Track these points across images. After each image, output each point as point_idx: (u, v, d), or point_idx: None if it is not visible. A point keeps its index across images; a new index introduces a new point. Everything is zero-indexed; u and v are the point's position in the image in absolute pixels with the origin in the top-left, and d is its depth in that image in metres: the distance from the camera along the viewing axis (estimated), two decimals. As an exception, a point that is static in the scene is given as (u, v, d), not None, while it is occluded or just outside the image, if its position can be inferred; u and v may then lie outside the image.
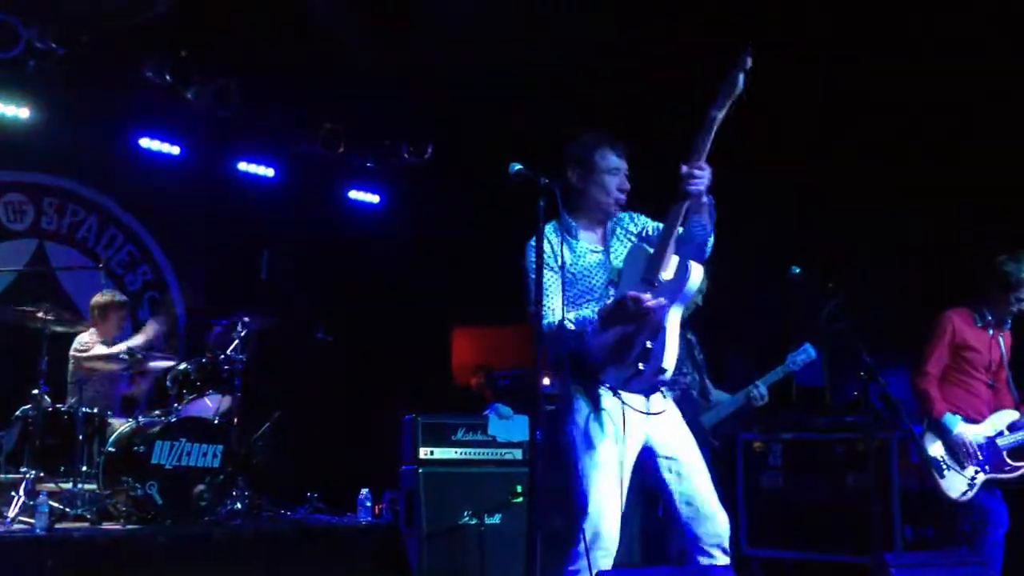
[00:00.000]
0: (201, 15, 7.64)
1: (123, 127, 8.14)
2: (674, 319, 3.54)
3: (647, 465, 3.69)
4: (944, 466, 5.00)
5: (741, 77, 3.37)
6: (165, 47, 7.75)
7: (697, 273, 3.54)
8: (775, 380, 5.39)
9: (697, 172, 3.46)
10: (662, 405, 3.72)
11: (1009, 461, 5.03)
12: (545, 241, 3.50)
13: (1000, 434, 5.09)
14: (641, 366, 3.50)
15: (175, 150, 8.38)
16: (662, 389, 3.71)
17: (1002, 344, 5.21)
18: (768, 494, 6.76)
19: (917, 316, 5.58)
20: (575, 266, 3.73)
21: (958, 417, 5.07)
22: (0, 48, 6.99)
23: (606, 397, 3.63)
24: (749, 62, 3.36)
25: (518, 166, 3.53)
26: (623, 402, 3.58)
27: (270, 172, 9.07)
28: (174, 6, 7.39)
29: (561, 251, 3.68)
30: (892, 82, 6.99)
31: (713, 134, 3.44)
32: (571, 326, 3.61)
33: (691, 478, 3.66)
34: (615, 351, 3.56)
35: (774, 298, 7.71)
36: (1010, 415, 5.14)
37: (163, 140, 8.31)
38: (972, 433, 5.04)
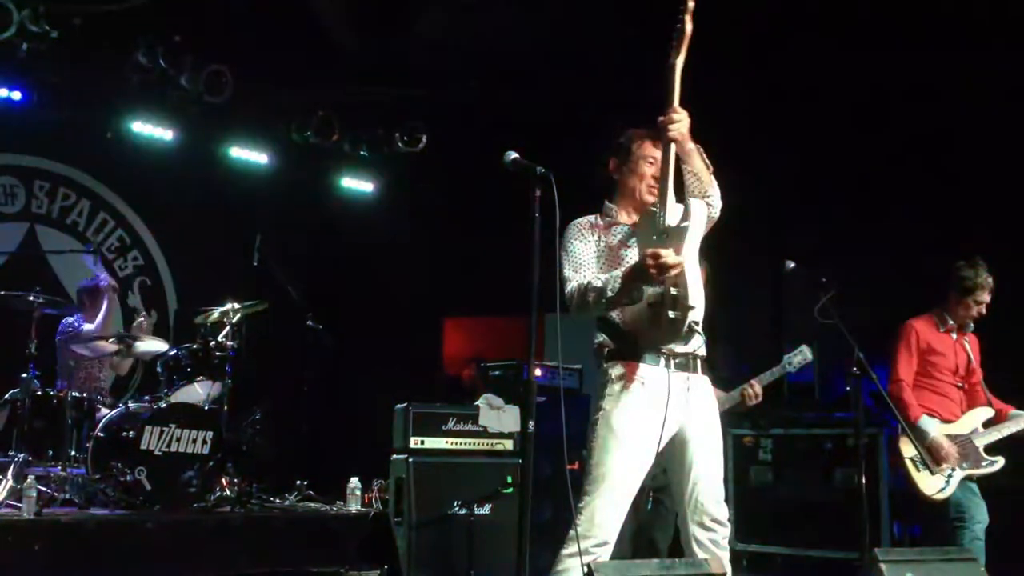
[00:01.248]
0: (194, 0, 7.61)
1: (115, 111, 8.09)
2: (690, 258, 3.57)
3: (671, 444, 3.68)
4: (919, 465, 5.13)
5: (688, 20, 3.51)
6: (158, 31, 7.69)
7: (699, 208, 3.64)
8: (770, 380, 5.39)
9: (674, 117, 3.55)
10: (700, 384, 3.72)
11: (985, 456, 5.20)
12: (588, 223, 3.79)
13: (975, 431, 5.26)
14: (671, 314, 3.50)
15: (168, 135, 8.33)
16: (699, 367, 3.71)
17: (968, 348, 5.41)
18: (757, 489, 6.78)
19: (909, 313, 5.61)
20: (612, 250, 3.77)
21: (935, 420, 5.23)
22: (-8, 31, 6.92)
23: (650, 377, 3.62)
24: (691, 4, 3.52)
25: (513, 155, 3.54)
26: (668, 384, 3.58)
27: (263, 158, 9.03)
28: (167, -9, 7.37)
29: (601, 235, 3.78)
30: (878, 75, 7.01)
31: (678, 80, 3.57)
32: (598, 283, 3.63)
33: (707, 461, 3.67)
34: (647, 312, 3.57)
35: (767, 291, 7.76)
36: (985, 412, 5.33)
37: (155, 125, 8.26)
38: (949, 433, 5.21)
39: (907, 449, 5.17)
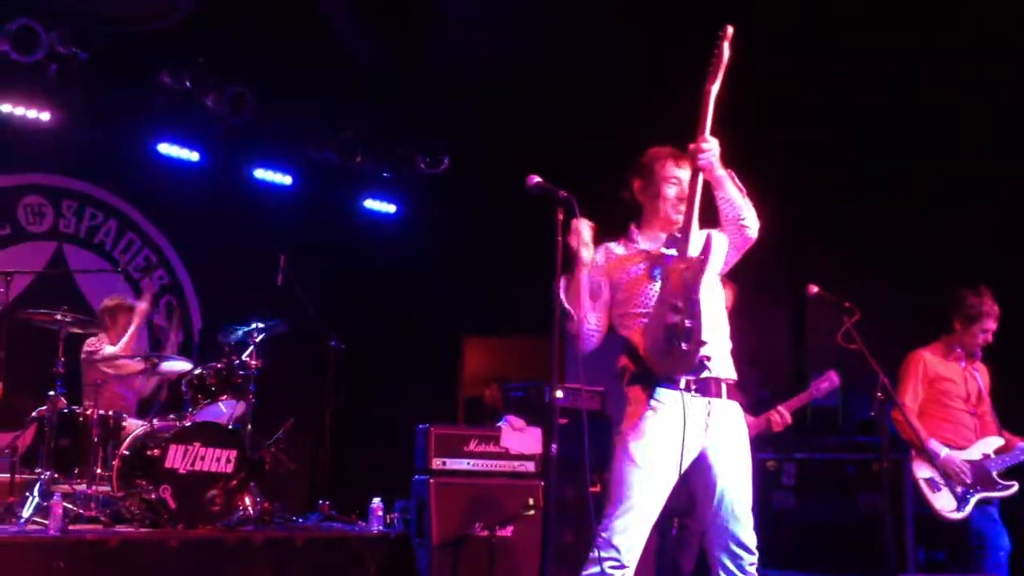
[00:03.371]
0: (219, 22, 7.70)
1: (142, 132, 8.19)
2: (707, 293, 3.58)
3: (695, 468, 3.68)
4: (934, 485, 5.24)
5: (726, 47, 3.50)
6: (183, 53, 7.79)
7: (720, 243, 3.63)
8: (798, 407, 5.39)
9: (704, 146, 3.54)
10: (725, 409, 3.70)
11: (999, 480, 5.27)
12: (604, 251, 3.77)
13: (987, 457, 5.33)
14: (684, 346, 3.51)
15: (194, 156, 8.42)
16: (724, 392, 3.70)
17: (978, 377, 5.48)
18: (780, 513, 6.73)
19: (932, 336, 5.61)
20: (633, 283, 3.75)
21: (943, 446, 5.32)
22: (22, 52, 7.03)
23: (668, 401, 3.62)
24: (731, 31, 3.51)
25: (537, 178, 3.56)
26: (684, 408, 3.58)
27: (287, 180, 9.10)
28: (193, 13, 7.46)
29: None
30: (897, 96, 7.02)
31: (711, 107, 3.55)
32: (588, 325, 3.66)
33: (734, 486, 3.65)
34: (663, 341, 3.57)
35: (789, 316, 7.73)
36: (996, 441, 5.40)
37: (182, 146, 8.35)
38: (960, 457, 5.28)
39: (920, 471, 5.27)
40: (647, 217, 3.88)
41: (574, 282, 3.69)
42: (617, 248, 3.86)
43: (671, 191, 3.80)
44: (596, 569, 3.52)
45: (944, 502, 5.21)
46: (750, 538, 3.67)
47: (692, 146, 3.57)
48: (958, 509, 5.18)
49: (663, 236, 3.78)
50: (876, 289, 6.88)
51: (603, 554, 3.53)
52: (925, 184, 7.07)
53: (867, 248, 7.40)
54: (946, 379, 5.42)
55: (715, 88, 3.53)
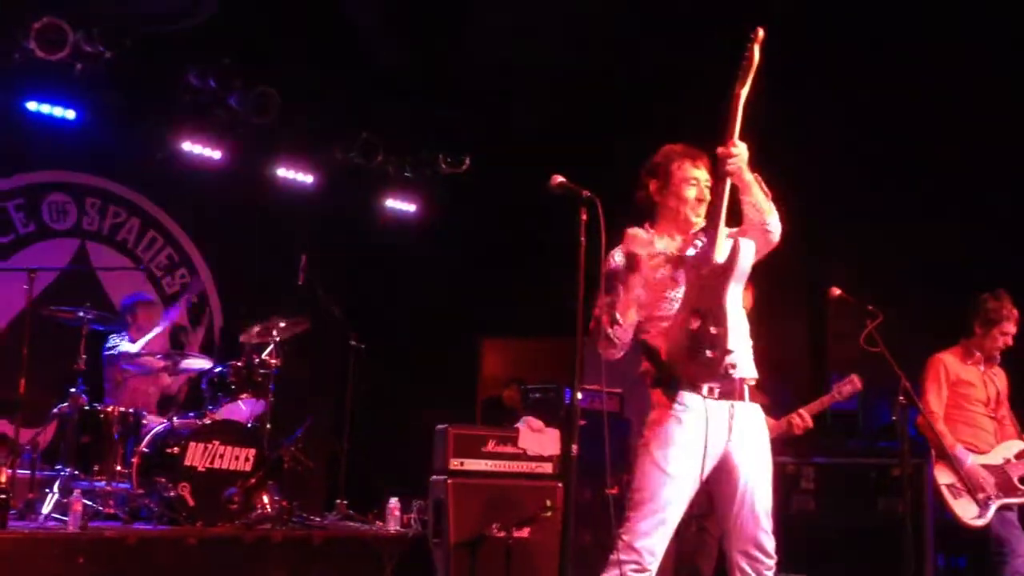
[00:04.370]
0: (243, 23, 7.74)
1: (166, 131, 8.23)
2: (733, 300, 3.55)
3: (716, 470, 3.65)
4: (956, 492, 5.21)
5: (756, 50, 3.47)
6: (208, 54, 7.83)
7: (748, 250, 3.57)
8: (820, 410, 5.35)
9: (732, 151, 3.50)
10: (748, 412, 3.67)
11: (1020, 486, 5.26)
12: (613, 259, 3.68)
13: (1008, 462, 5.32)
14: (709, 353, 3.49)
15: (216, 155, 8.46)
16: (746, 394, 3.67)
17: (997, 381, 5.48)
18: (799, 517, 6.69)
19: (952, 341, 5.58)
20: (655, 286, 3.70)
21: (968, 452, 5.29)
22: (48, 50, 7.07)
23: (692, 405, 3.59)
24: (761, 34, 3.47)
25: (560, 178, 3.54)
26: (706, 413, 3.56)
27: (309, 179, 9.12)
28: (218, 14, 7.50)
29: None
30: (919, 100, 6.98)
31: (740, 111, 3.50)
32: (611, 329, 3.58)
33: (754, 489, 3.62)
34: (687, 347, 3.55)
35: (809, 318, 7.69)
36: (1016, 445, 5.40)
37: (205, 145, 8.39)
38: (983, 462, 5.26)
39: (942, 477, 5.25)
40: (663, 217, 3.81)
41: (627, 291, 3.63)
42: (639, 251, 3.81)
43: (691, 192, 3.75)
44: (616, 572, 3.51)
45: (966, 509, 5.18)
46: (769, 542, 3.64)
47: (721, 150, 3.52)
48: (980, 516, 5.14)
49: (679, 238, 3.76)
50: (899, 292, 6.84)
51: (624, 557, 3.52)
52: (946, 186, 7.03)
53: (889, 250, 7.36)
54: (966, 382, 5.40)
55: (744, 91, 3.49)
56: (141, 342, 6.86)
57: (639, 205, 3.83)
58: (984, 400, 5.40)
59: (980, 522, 5.16)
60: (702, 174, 3.76)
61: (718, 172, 3.57)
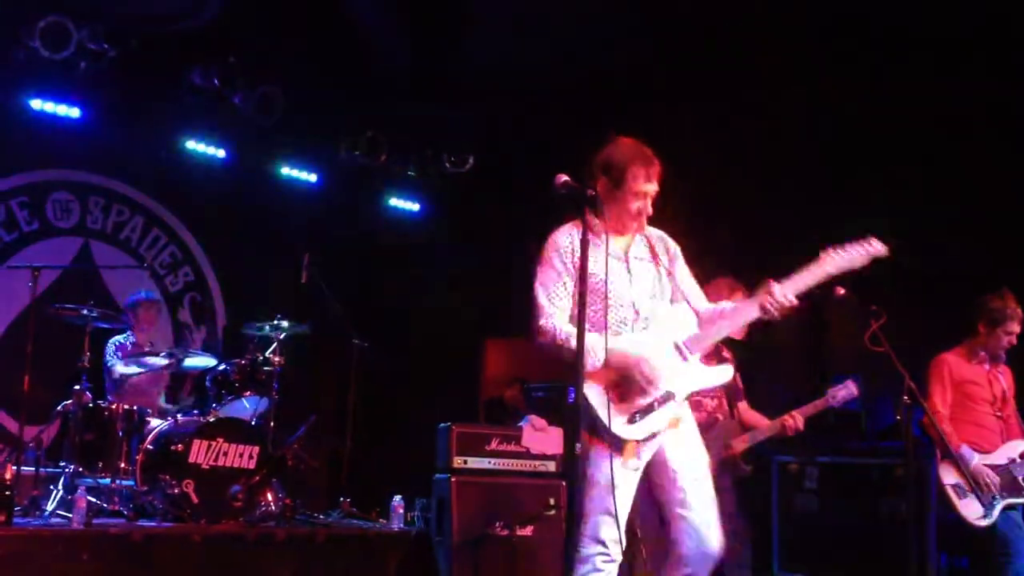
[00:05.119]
0: (249, 22, 7.75)
1: (170, 129, 8.24)
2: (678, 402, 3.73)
3: (652, 476, 3.74)
4: (961, 491, 5.21)
5: (868, 261, 3.84)
6: (213, 53, 7.84)
7: (728, 375, 3.89)
8: (813, 413, 5.34)
9: (787, 306, 3.69)
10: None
11: None
12: (566, 239, 3.71)
13: (1013, 462, 5.31)
14: (639, 417, 3.62)
15: (220, 153, 8.47)
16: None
17: (1002, 380, 5.49)
18: (802, 517, 6.70)
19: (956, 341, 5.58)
20: (597, 273, 3.71)
21: (974, 452, 5.29)
22: (52, 49, 7.08)
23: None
24: (883, 251, 3.83)
25: (564, 177, 3.55)
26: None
27: (312, 178, 9.14)
28: (223, 13, 7.50)
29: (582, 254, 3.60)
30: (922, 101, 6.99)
31: (815, 284, 3.74)
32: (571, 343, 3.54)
33: (692, 490, 3.70)
34: (620, 391, 3.64)
35: (808, 318, 7.67)
36: (1022, 444, 5.38)
37: (209, 143, 8.40)
38: (988, 462, 5.26)
39: (947, 476, 5.25)
40: (607, 214, 3.75)
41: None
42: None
43: (636, 205, 3.78)
44: (589, 567, 3.57)
45: (971, 508, 5.18)
46: (717, 540, 3.73)
47: (778, 295, 3.68)
48: (985, 516, 5.14)
49: (624, 240, 3.84)
50: (902, 292, 6.83)
51: (589, 551, 3.59)
52: (947, 184, 7.02)
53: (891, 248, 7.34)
54: (971, 382, 5.42)
55: (831, 273, 3.77)
56: (129, 369, 6.81)
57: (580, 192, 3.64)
58: (989, 399, 5.41)
59: (985, 522, 5.15)
60: (652, 188, 3.79)
61: (758, 308, 3.72)
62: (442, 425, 5.83)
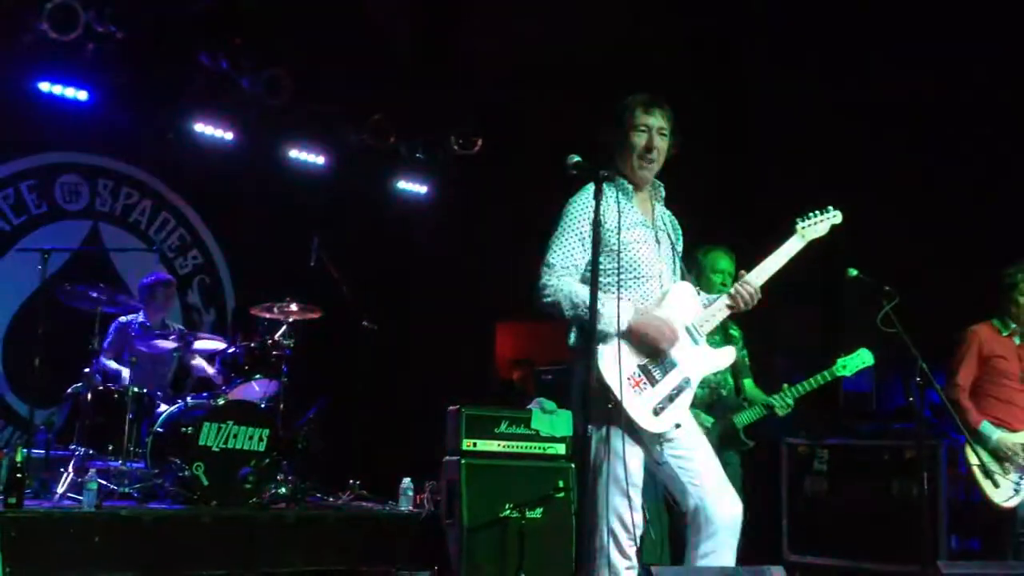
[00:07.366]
0: (255, 4, 7.72)
1: (178, 112, 8.22)
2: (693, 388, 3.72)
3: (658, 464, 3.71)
4: (988, 472, 5.10)
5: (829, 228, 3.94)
6: (221, 35, 7.81)
7: (732, 358, 3.91)
8: (817, 386, 5.18)
9: (756, 300, 3.78)
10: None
11: None
12: (591, 198, 3.58)
13: None
14: (661, 409, 3.62)
15: (228, 136, 8.44)
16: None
17: None
18: (812, 499, 6.70)
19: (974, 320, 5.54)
20: (626, 233, 3.70)
21: (995, 428, 5.20)
22: (60, 31, 7.06)
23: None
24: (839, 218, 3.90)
25: (576, 157, 3.52)
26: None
27: (320, 160, 9.12)
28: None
29: (613, 212, 3.67)
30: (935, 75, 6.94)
31: (781, 265, 3.82)
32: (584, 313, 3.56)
33: (696, 460, 3.69)
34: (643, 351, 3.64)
35: (823, 299, 7.65)
36: None
37: (217, 126, 8.38)
38: (1012, 439, 5.17)
39: (973, 457, 5.13)
40: (621, 163, 3.82)
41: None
42: (618, 200, 3.76)
43: (640, 139, 3.77)
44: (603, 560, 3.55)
45: (997, 490, 5.09)
46: (735, 503, 3.72)
47: (749, 290, 3.76)
48: (1011, 497, 5.07)
49: (645, 201, 3.85)
50: (918, 271, 6.80)
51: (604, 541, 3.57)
52: (965, 162, 6.97)
53: (908, 229, 7.31)
54: (1001, 356, 5.32)
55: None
56: (124, 372, 6.81)
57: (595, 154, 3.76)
58: (1017, 374, 5.32)
59: (1011, 503, 5.08)
60: (654, 121, 3.77)
61: (729, 299, 3.79)
62: (451, 407, 5.82)
